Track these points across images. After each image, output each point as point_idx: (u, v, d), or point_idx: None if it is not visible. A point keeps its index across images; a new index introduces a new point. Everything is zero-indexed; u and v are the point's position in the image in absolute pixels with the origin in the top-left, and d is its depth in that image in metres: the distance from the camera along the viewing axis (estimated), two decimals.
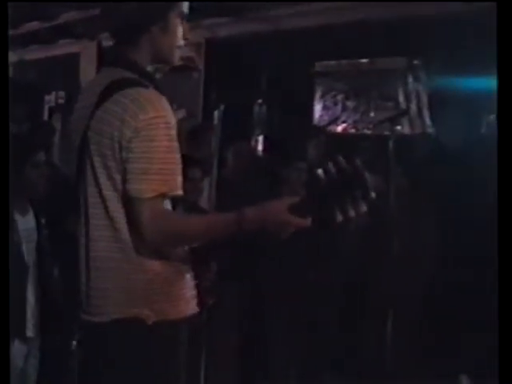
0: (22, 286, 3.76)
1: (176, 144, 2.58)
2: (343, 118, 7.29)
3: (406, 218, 5.42)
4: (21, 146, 3.81)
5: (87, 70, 8.61)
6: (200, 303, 2.77)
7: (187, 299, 2.73)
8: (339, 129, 7.30)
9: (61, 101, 9.39)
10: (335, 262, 5.60)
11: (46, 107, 9.33)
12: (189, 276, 2.75)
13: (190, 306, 2.74)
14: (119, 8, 2.66)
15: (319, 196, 2.48)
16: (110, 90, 2.59)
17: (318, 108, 7.46)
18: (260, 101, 7.56)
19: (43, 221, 3.95)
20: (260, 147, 7.35)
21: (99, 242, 2.65)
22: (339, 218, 2.46)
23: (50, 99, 9.43)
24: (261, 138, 7.40)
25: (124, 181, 2.56)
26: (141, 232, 2.56)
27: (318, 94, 7.45)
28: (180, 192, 2.59)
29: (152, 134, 2.52)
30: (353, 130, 7.24)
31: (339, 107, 7.32)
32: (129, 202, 2.57)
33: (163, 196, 2.57)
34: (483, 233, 5.39)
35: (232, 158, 5.85)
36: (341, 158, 2.42)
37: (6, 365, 2.42)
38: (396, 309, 5.49)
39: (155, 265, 2.65)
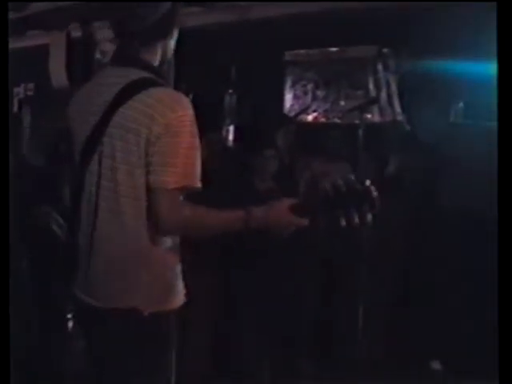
0: None
1: (197, 140, 2.75)
2: (314, 107, 7.30)
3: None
4: None
5: (56, 62, 8.54)
6: (187, 294, 2.90)
7: (180, 291, 2.87)
8: (310, 118, 7.31)
9: (30, 93, 9.32)
10: (312, 258, 5.63)
11: (16, 99, 9.27)
12: (180, 268, 2.88)
13: (181, 298, 2.88)
14: (141, 12, 2.80)
15: (327, 202, 2.68)
16: (132, 89, 2.73)
17: (288, 97, 7.47)
18: (230, 90, 7.56)
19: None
20: (230, 137, 7.35)
21: (105, 231, 2.76)
22: (343, 223, 2.65)
23: (19, 91, 9.36)
24: (231, 128, 7.39)
25: (147, 173, 2.70)
26: (158, 221, 2.70)
27: (288, 84, 7.46)
28: (199, 185, 2.74)
29: (179, 131, 2.69)
30: (323, 119, 7.26)
31: (309, 96, 7.33)
32: (149, 193, 2.70)
33: (183, 188, 2.72)
34: (455, 219, 5.44)
35: (202, 148, 5.82)
36: (352, 179, 2.67)
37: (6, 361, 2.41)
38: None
39: (161, 257, 2.78)
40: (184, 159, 2.70)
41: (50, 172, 4.34)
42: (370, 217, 2.65)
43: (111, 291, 2.77)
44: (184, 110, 2.72)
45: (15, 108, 9.06)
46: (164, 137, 2.68)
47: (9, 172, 2.73)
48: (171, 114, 2.68)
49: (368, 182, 2.68)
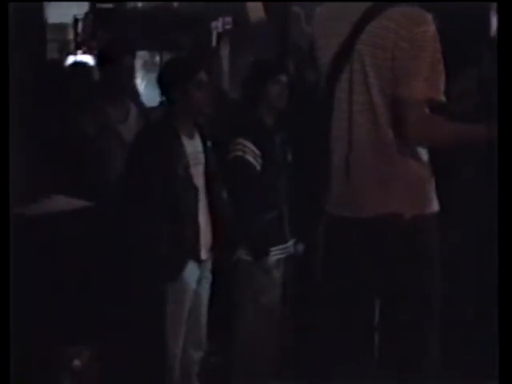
0: (194, 209, 3.77)
1: (440, 55, 2.84)
2: None
3: None
4: (184, 67, 3.95)
5: None
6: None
7: (435, 198, 2.99)
8: None
9: (228, 26, 9.20)
10: None
11: (214, 33, 9.15)
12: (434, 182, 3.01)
13: (436, 205, 2.99)
14: None
15: None
16: (378, 7, 2.86)
17: None
18: None
19: (209, 144, 3.95)
20: None
21: (362, 144, 2.90)
22: None
23: (217, 25, 9.25)
24: None
25: (395, 86, 2.84)
26: (406, 132, 2.84)
27: None
28: (443, 99, 2.85)
29: (424, 45, 2.81)
30: None
31: None
32: (397, 105, 2.84)
33: (429, 100, 2.84)
34: None
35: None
36: None
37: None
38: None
39: (413, 165, 2.92)
40: (429, 72, 2.80)
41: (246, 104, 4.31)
42: None
43: (371, 201, 2.90)
44: (428, 25, 2.83)
45: (214, 42, 8.96)
46: (410, 51, 2.80)
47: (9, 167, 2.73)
48: (416, 29, 2.80)
49: None
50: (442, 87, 2.85)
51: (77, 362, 2.63)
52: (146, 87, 5.42)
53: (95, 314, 2.74)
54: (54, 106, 4.06)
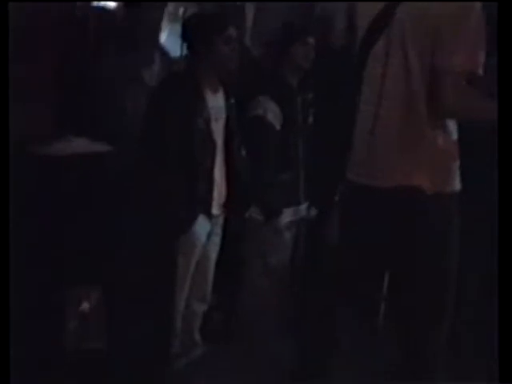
0: (210, 164, 3.76)
1: (483, 28, 2.78)
2: None
3: None
4: (213, 21, 3.91)
5: None
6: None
7: (458, 177, 2.92)
8: None
9: None
10: None
11: None
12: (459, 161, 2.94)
13: (459, 184, 2.93)
14: None
15: None
16: None
17: None
18: None
19: (232, 100, 3.93)
20: None
21: (392, 112, 2.85)
22: None
23: None
24: None
25: (434, 54, 2.77)
26: (441, 102, 2.78)
27: None
28: (481, 72, 2.77)
29: (465, 17, 2.73)
30: None
31: None
32: (435, 74, 2.78)
33: (467, 73, 2.77)
34: None
35: None
36: None
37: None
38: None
39: (441, 139, 2.85)
40: (471, 44, 2.75)
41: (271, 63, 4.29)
42: None
43: (394, 171, 2.85)
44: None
45: None
46: (450, 22, 2.74)
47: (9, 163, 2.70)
48: (453, 4, 2.74)
49: None
50: (482, 61, 2.78)
51: (85, 305, 2.63)
52: (167, 39, 5.37)
53: (105, 258, 2.74)
54: (77, 48, 4.03)
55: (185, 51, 4.07)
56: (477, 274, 4.56)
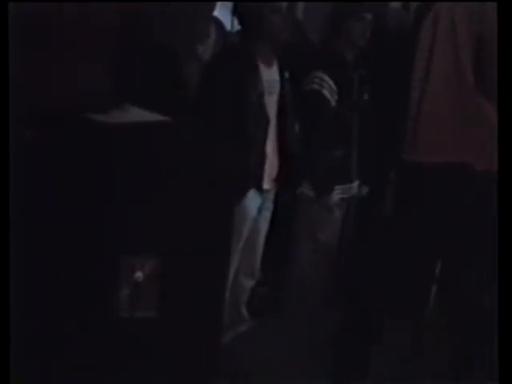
0: (262, 138, 3.74)
1: None
2: None
3: None
4: None
5: None
6: None
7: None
8: None
9: None
10: None
11: None
12: None
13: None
14: None
15: None
16: None
17: None
18: None
19: (287, 75, 3.88)
20: None
21: (441, 81, 2.88)
22: None
23: None
24: None
25: (483, 25, 2.78)
26: (489, 74, 2.72)
27: None
28: None
29: None
30: None
31: None
32: (483, 46, 2.81)
33: None
34: None
35: None
36: None
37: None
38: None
39: (491, 115, 2.78)
40: None
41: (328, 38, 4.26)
42: None
43: (443, 146, 2.87)
44: None
45: None
46: None
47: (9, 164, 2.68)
48: None
49: None
50: None
51: (139, 274, 2.63)
52: (221, 12, 5.34)
53: (160, 228, 2.74)
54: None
55: (237, 25, 4.04)
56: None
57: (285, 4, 3.85)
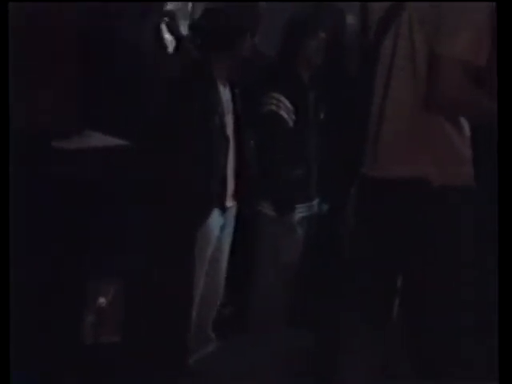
0: (224, 157, 3.77)
1: (490, 21, 2.68)
2: None
3: None
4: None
5: None
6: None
7: (468, 171, 2.83)
8: None
9: None
10: None
11: None
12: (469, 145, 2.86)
13: (469, 177, 2.83)
14: None
15: None
16: None
17: None
18: None
19: (237, 91, 3.91)
20: None
21: (399, 98, 2.82)
22: None
23: None
24: None
25: (437, 42, 2.71)
26: (438, 91, 2.71)
27: None
28: (482, 64, 2.70)
29: (471, 7, 2.69)
30: None
31: None
32: (436, 61, 2.72)
33: (467, 63, 2.70)
34: None
35: None
36: None
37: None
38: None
39: (448, 130, 2.78)
40: (473, 35, 2.68)
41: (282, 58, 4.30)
42: None
43: (400, 161, 2.81)
44: None
45: None
46: (454, 11, 2.69)
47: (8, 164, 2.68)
48: None
49: None
50: (485, 54, 2.70)
51: (102, 300, 2.63)
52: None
53: (122, 253, 2.74)
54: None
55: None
56: (476, 274, 4.54)
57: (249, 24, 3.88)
